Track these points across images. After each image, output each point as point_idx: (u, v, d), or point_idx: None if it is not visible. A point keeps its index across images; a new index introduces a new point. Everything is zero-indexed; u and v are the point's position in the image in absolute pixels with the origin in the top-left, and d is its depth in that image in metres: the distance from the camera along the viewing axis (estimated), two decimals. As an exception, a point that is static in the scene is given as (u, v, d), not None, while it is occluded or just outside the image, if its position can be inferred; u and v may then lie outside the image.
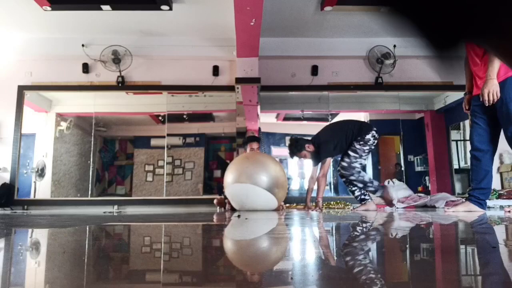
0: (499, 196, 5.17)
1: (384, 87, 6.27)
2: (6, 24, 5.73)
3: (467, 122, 6.04)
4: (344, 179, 4.23)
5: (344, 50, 6.22)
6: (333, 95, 6.36)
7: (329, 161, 4.12)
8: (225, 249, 1.18)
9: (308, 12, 5.43)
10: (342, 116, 6.16)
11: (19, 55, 6.17)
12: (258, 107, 5.93)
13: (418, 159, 6.50)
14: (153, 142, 6.42)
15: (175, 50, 6.17)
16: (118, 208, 5.77)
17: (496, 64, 2.81)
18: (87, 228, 1.79)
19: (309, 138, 4.35)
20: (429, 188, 6.26)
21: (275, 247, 1.15)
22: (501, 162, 5.95)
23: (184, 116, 6.48)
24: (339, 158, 4.28)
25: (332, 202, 5.21)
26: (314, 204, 4.23)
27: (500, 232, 1.58)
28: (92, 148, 6.23)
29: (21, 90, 6.12)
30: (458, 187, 6.42)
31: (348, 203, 5.10)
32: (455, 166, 6.59)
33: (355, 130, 4.13)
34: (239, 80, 5.93)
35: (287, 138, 4.81)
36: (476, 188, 3.05)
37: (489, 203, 4.17)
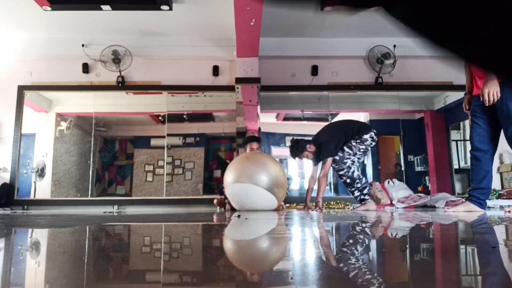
0: (499, 196, 5.16)
1: (384, 87, 6.27)
2: (6, 24, 5.73)
3: (467, 122, 6.03)
4: (342, 180, 4.23)
5: (344, 50, 6.22)
6: (333, 95, 6.35)
7: (330, 161, 4.12)
8: (225, 249, 1.18)
9: (308, 12, 5.42)
10: (342, 116, 6.16)
11: (19, 55, 6.17)
12: (258, 107, 5.93)
13: (418, 159, 6.49)
14: (153, 142, 6.42)
15: (175, 50, 6.17)
16: (118, 208, 5.77)
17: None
18: (87, 228, 1.79)
19: (309, 138, 4.36)
20: (429, 188, 6.25)
21: (275, 247, 1.15)
22: (501, 162, 5.95)
23: (184, 116, 6.48)
24: None
25: (332, 202, 5.20)
26: (314, 204, 4.23)
27: (500, 232, 1.58)
28: (92, 148, 6.23)
29: (21, 90, 6.12)
30: (458, 187, 6.41)
31: (348, 203, 5.10)
32: (455, 166, 6.59)
33: (354, 129, 4.15)
34: (239, 80, 5.93)
35: (287, 138, 4.81)
36: (476, 188, 3.05)
37: (489, 203, 4.17)
